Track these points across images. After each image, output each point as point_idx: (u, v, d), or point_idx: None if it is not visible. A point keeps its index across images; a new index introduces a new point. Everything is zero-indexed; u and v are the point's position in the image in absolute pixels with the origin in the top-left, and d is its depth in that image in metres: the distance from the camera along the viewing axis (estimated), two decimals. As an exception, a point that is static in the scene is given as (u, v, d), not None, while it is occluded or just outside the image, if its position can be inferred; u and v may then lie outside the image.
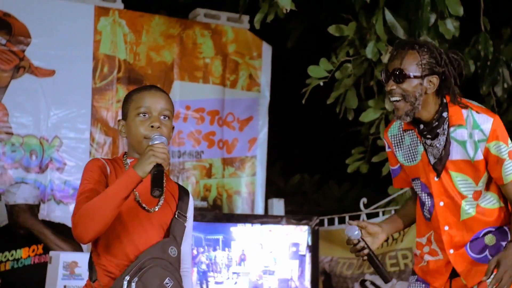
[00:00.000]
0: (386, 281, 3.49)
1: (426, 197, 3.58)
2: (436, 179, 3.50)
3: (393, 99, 3.45)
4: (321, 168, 9.50)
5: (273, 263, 5.84)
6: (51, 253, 4.77)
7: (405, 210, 3.84)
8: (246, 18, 7.01)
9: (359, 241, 3.48)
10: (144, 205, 3.12)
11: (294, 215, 6.31)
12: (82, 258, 4.62)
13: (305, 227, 5.97)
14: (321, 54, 5.96)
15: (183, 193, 3.28)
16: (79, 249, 5.28)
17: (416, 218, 3.75)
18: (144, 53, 6.54)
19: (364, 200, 6.48)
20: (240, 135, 6.97)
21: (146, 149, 2.96)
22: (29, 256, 5.36)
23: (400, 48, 3.48)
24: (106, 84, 6.30)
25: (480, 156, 3.43)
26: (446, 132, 3.45)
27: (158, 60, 6.61)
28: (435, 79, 3.43)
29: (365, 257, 3.49)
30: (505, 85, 6.07)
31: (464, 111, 3.46)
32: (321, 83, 5.88)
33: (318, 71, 5.83)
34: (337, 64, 5.89)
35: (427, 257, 3.65)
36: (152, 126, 3.11)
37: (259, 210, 6.94)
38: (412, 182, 3.66)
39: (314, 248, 5.99)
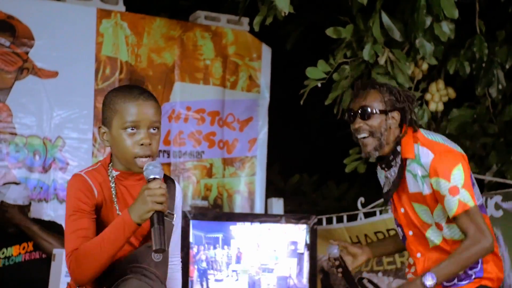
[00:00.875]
0: None
1: (399, 229, 3.79)
2: (402, 210, 3.69)
3: (360, 136, 3.66)
4: (320, 168, 9.55)
5: (271, 261, 5.92)
6: (55, 250, 4.86)
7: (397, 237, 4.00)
8: (246, 20, 7.09)
9: (336, 259, 3.72)
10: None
11: (293, 214, 6.38)
12: (85, 256, 4.69)
13: (304, 226, 6.04)
14: (319, 56, 6.02)
15: (170, 187, 3.05)
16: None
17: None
18: (145, 55, 6.62)
19: (361, 199, 6.56)
20: (240, 136, 7.05)
21: (143, 192, 2.74)
22: (19, 253, 5.43)
23: (361, 88, 3.70)
24: (108, 85, 6.37)
25: (427, 190, 3.59)
26: (398, 165, 3.63)
27: (159, 62, 6.69)
28: (396, 114, 3.64)
29: (340, 274, 3.74)
30: (500, 86, 6.13)
31: (415, 145, 3.63)
32: (319, 85, 5.94)
33: (316, 73, 5.90)
34: (335, 65, 5.95)
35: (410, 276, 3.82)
36: (142, 144, 2.88)
37: (259, 209, 7.01)
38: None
39: (312, 247, 6.06)
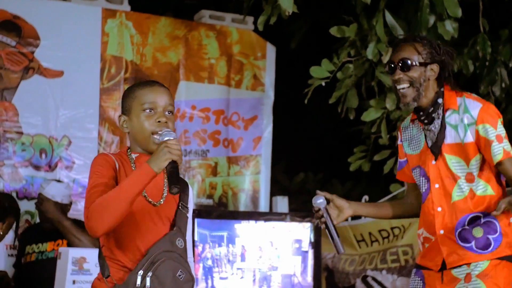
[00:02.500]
0: (338, 251, 3.68)
1: (423, 181, 3.78)
2: (433, 162, 3.72)
3: (400, 86, 3.71)
4: (325, 166, 9.57)
5: (276, 259, 5.94)
6: (61, 249, 4.89)
7: (398, 201, 4.07)
8: (250, 19, 7.11)
9: (319, 209, 3.71)
10: (150, 199, 3.13)
11: (297, 212, 6.40)
12: (90, 254, 4.74)
13: (308, 224, 6.07)
14: (323, 55, 6.05)
15: (183, 184, 3.26)
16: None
17: (410, 211, 3.99)
18: (150, 54, 6.65)
19: (366, 197, 6.58)
20: (245, 134, 7.07)
21: (161, 146, 2.97)
22: (53, 249, 5.49)
23: (402, 42, 3.77)
24: (114, 85, 6.41)
25: (469, 139, 3.65)
26: (440, 117, 3.70)
27: (164, 61, 6.72)
28: (435, 67, 3.71)
29: (323, 225, 3.72)
30: (503, 85, 6.15)
31: (458, 98, 3.71)
32: (323, 83, 5.97)
33: (320, 72, 5.92)
34: (339, 64, 5.98)
35: (424, 245, 3.81)
36: (159, 121, 3.13)
37: (264, 207, 7.04)
38: (412, 172, 3.85)
39: (316, 245, 6.09)
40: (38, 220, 5.95)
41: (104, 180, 3.05)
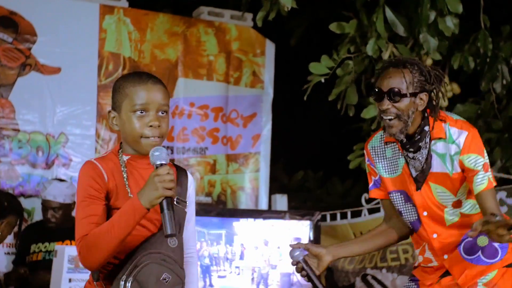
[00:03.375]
0: None
1: (411, 208, 3.62)
2: (417, 190, 3.56)
3: (387, 117, 3.46)
4: (325, 164, 9.54)
5: (275, 257, 5.91)
6: (56, 247, 4.86)
7: (379, 230, 3.80)
8: (249, 16, 7.07)
9: (298, 262, 3.52)
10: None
11: (296, 210, 6.37)
12: (87, 252, 4.70)
13: (307, 222, 6.03)
14: (323, 51, 6.01)
15: (181, 176, 3.10)
16: None
17: (393, 238, 3.78)
18: (148, 51, 6.62)
19: (365, 195, 6.54)
20: (244, 132, 7.04)
21: (153, 178, 2.77)
22: None
23: (392, 66, 3.50)
24: (111, 81, 6.36)
25: (457, 169, 3.49)
26: (427, 146, 3.51)
27: (163, 58, 6.69)
28: (424, 96, 3.47)
29: (305, 278, 3.54)
30: (504, 82, 6.11)
31: (444, 125, 3.51)
32: (323, 80, 5.92)
33: (319, 68, 5.88)
34: (338, 61, 5.93)
35: (423, 265, 3.73)
36: (150, 126, 2.92)
37: (263, 205, 7.01)
38: (390, 195, 3.67)
39: (316, 243, 6.04)
40: (35, 218, 5.93)
41: (95, 206, 2.88)
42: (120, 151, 3.03)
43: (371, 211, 6.50)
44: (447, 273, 3.62)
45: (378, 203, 6.51)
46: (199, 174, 6.75)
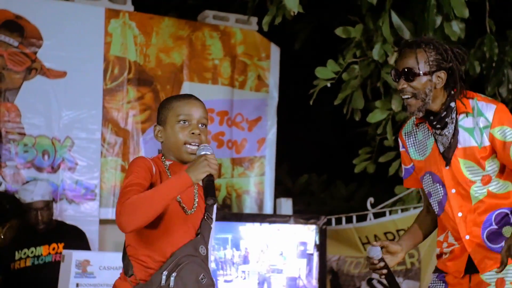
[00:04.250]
0: None
1: (438, 187, 3.65)
2: (446, 167, 3.60)
3: (404, 96, 3.58)
4: (329, 168, 9.54)
5: (281, 261, 5.90)
6: (64, 251, 4.85)
7: (422, 219, 3.89)
8: (254, 19, 7.07)
9: (379, 261, 3.60)
10: (184, 206, 3.24)
11: (302, 214, 6.37)
12: (94, 257, 4.70)
13: (313, 227, 6.03)
14: (329, 56, 6.01)
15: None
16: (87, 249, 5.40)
17: (433, 226, 3.85)
18: (154, 55, 6.61)
19: (371, 199, 6.54)
20: (249, 135, 7.03)
21: (201, 158, 3.07)
22: (49, 253, 5.44)
23: (407, 47, 3.59)
24: (117, 85, 6.37)
25: (486, 142, 3.53)
26: (454, 121, 3.57)
27: (168, 62, 6.68)
28: (442, 74, 3.55)
29: (383, 276, 3.62)
30: (510, 86, 6.11)
31: (470, 101, 3.57)
32: (328, 84, 5.93)
33: (325, 73, 5.89)
34: (344, 65, 5.94)
35: (446, 250, 3.72)
36: (192, 133, 3.25)
37: (268, 209, 6.99)
38: (422, 179, 3.73)
39: (321, 247, 6.06)
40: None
41: (141, 181, 3.14)
42: (163, 157, 3.34)
43: (377, 215, 6.49)
44: (473, 268, 3.60)
45: (383, 207, 6.51)
46: (206, 178, 6.72)
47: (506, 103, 6.41)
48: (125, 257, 3.23)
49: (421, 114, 3.57)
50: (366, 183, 9.10)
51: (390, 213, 6.38)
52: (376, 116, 6.11)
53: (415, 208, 6.14)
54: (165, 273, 3.09)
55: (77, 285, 4.67)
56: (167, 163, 3.30)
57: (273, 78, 7.17)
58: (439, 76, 3.53)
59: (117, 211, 3.04)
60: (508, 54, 6.11)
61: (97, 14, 6.39)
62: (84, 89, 6.27)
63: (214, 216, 3.45)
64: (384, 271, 3.61)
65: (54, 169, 6.11)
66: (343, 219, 6.70)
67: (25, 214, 5.45)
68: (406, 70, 3.53)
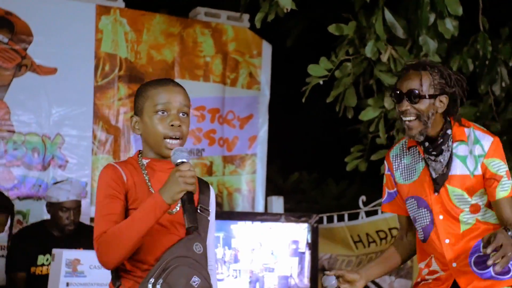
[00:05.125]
0: None
1: (425, 213, 3.60)
2: (435, 193, 3.55)
3: (406, 119, 3.50)
4: (320, 166, 9.52)
5: (273, 260, 5.88)
6: (54, 250, 4.79)
7: (399, 244, 3.82)
8: (246, 16, 7.04)
9: None
10: None
11: (293, 213, 6.34)
12: (85, 256, 4.65)
13: (305, 225, 6.01)
14: (321, 53, 5.98)
15: (203, 186, 3.14)
16: None
17: (412, 251, 3.78)
18: (145, 52, 6.58)
19: (363, 198, 6.52)
20: (241, 133, 7.01)
21: (174, 174, 2.81)
22: None
23: (412, 68, 3.54)
24: (108, 82, 6.34)
25: (479, 171, 3.50)
26: (450, 149, 3.52)
27: (159, 59, 6.65)
28: (445, 99, 3.49)
29: None
30: (503, 84, 6.10)
31: (466, 129, 3.54)
32: (321, 82, 5.90)
33: (318, 70, 5.85)
34: (337, 63, 5.90)
35: (428, 277, 3.69)
36: (172, 125, 2.99)
37: (260, 207, 6.98)
38: (407, 203, 3.67)
39: (313, 246, 6.03)
40: (30, 221, 5.85)
41: (114, 204, 2.93)
42: (139, 156, 3.10)
43: (369, 213, 6.47)
44: (455, 286, 3.58)
45: (375, 205, 6.49)
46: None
47: (499, 101, 6.41)
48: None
49: (422, 138, 3.50)
50: (357, 181, 9.08)
51: (382, 211, 6.35)
52: (368, 114, 6.07)
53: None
54: (151, 280, 2.83)
55: (68, 284, 4.63)
56: (144, 161, 3.05)
57: (264, 76, 7.14)
58: (441, 101, 3.48)
59: (96, 248, 2.86)
60: (501, 52, 6.09)
61: (88, 11, 6.35)
62: (74, 86, 6.24)
63: (212, 207, 3.16)
64: None
65: (44, 166, 6.06)
66: (335, 218, 6.68)
67: (55, 214, 5.41)
68: (410, 91, 3.47)
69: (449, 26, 5.62)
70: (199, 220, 2.97)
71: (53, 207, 5.41)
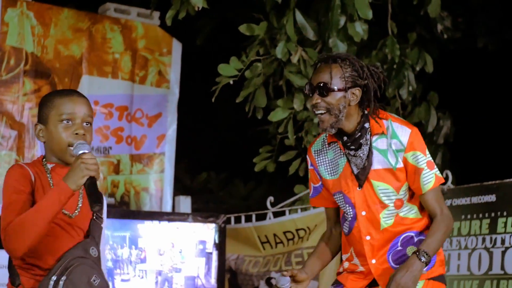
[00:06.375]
0: None
1: (349, 208, 3.63)
2: (358, 189, 3.57)
3: (317, 112, 3.51)
4: (228, 166, 9.52)
5: (180, 260, 5.83)
6: None
7: (328, 237, 3.85)
8: (156, 14, 6.96)
9: None
10: (65, 211, 3.11)
11: (201, 213, 6.31)
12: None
13: (212, 225, 5.99)
14: (232, 53, 5.97)
15: (100, 195, 3.23)
16: None
17: (340, 245, 3.82)
18: (52, 46, 6.43)
19: (271, 198, 6.52)
20: (149, 132, 6.93)
21: (77, 162, 2.96)
22: None
23: (323, 61, 3.55)
24: (13, 77, 6.18)
25: (401, 164, 3.52)
26: (369, 142, 3.53)
27: (67, 54, 6.51)
28: (357, 91, 3.50)
29: None
30: (410, 88, 6.20)
31: (384, 121, 3.54)
32: (231, 82, 5.89)
33: (228, 70, 5.85)
34: (247, 63, 5.91)
35: (349, 270, 3.71)
36: (76, 134, 3.12)
37: (168, 207, 6.92)
38: (334, 197, 3.69)
39: (221, 246, 6.02)
40: None
41: (21, 197, 3.03)
42: (44, 160, 3.21)
43: (276, 214, 6.48)
44: (374, 283, 3.61)
45: (283, 206, 6.51)
46: (102, 174, 6.60)
47: (406, 105, 6.51)
48: (11, 266, 3.10)
49: (333, 131, 3.51)
50: (265, 182, 9.11)
51: (290, 212, 6.38)
52: (277, 115, 6.09)
53: (314, 207, 6.15)
54: (53, 278, 2.98)
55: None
56: (49, 166, 3.18)
57: (174, 74, 7.08)
58: (353, 93, 3.48)
59: (2, 238, 2.94)
60: (409, 56, 6.19)
61: (-7, 3, 6.19)
62: (-23, 80, 6.07)
63: (105, 216, 3.32)
64: None
65: None
66: (243, 218, 6.67)
67: None
68: (320, 84, 3.47)
69: (359, 29, 5.69)
70: (94, 227, 3.19)
71: None
